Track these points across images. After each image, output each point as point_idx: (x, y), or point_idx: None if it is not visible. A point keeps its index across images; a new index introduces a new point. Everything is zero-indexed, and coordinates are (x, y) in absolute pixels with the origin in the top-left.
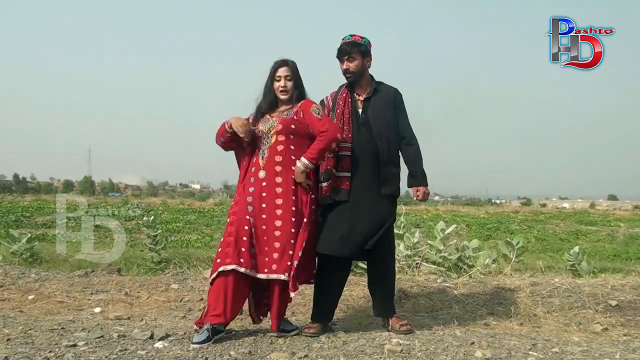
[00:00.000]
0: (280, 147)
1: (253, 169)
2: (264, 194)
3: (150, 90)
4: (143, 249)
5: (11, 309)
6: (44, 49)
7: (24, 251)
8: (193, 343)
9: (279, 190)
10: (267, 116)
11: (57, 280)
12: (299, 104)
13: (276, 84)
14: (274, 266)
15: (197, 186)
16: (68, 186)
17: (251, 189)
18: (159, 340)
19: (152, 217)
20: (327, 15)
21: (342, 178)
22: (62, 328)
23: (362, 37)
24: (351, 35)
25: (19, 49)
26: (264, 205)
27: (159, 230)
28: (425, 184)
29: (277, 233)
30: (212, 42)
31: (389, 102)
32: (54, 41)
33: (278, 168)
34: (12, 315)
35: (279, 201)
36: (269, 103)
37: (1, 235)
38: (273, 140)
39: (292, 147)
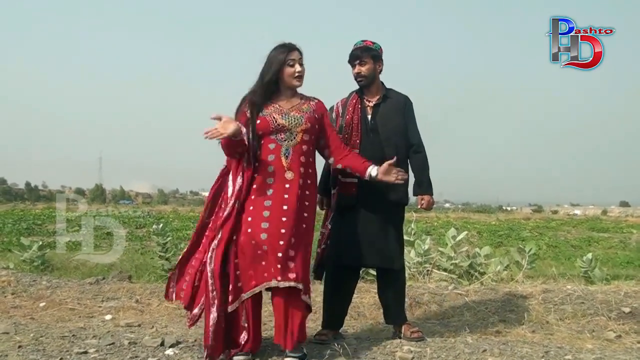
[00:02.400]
0: (304, 147)
1: (271, 168)
2: (285, 196)
3: (162, 98)
4: (153, 257)
5: (23, 316)
6: (56, 58)
7: (36, 259)
8: None
9: (307, 193)
10: (276, 107)
11: (68, 287)
12: (314, 103)
13: (289, 70)
14: (292, 275)
15: (207, 194)
16: (79, 194)
17: (269, 192)
18: (170, 347)
19: (162, 224)
20: (327, 15)
21: (349, 184)
22: (73, 335)
23: (373, 42)
24: (362, 41)
25: (31, 59)
26: (285, 207)
27: (169, 238)
28: (431, 193)
29: (293, 240)
30: (221, 47)
31: (399, 109)
32: (66, 51)
33: (303, 170)
34: (23, 322)
35: (307, 203)
36: (270, 92)
37: (13, 243)
38: (299, 138)
39: (310, 148)
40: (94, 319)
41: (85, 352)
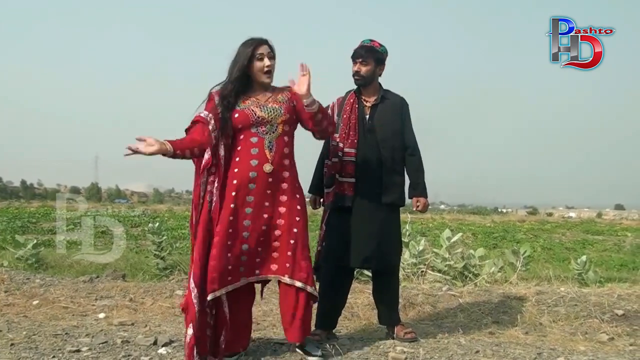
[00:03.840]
0: (286, 139)
1: (255, 161)
2: (268, 191)
3: (157, 97)
4: (148, 256)
5: (15, 314)
6: (53, 57)
7: (30, 257)
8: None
9: (284, 186)
10: (253, 100)
11: (62, 285)
12: (287, 91)
13: (258, 64)
14: (274, 267)
15: None
16: (75, 192)
17: (251, 186)
18: (163, 346)
19: (158, 223)
20: (327, 15)
21: (346, 184)
22: (66, 333)
23: (380, 45)
24: (370, 40)
25: (27, 58)
26: (267, 204)
27: (164, 237)
28: (425, 196)
29: (277, 233)
30: (220, 48)
31: (396, 110)
32: (62, 50)
33: (286, 162)
34: (16, 320)
35: (284, 198)
36: (243, 87)
37: (7, 241)
38: (280, 130)
39: (290, 139)
40: (87, 317)
41: (78, 351)
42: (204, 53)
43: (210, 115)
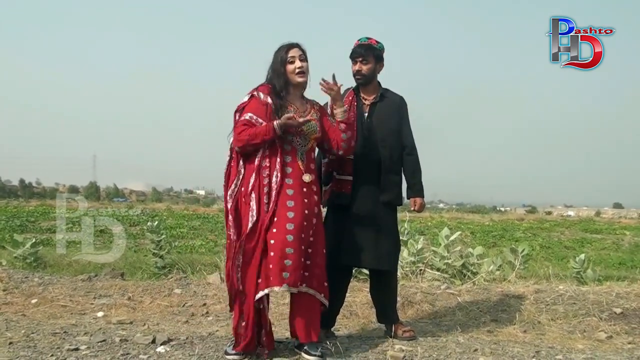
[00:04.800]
0: (313, 155)
1: (289, 169)
2: (305, 200)
3: (156, 96)
4: (147, 254)
5: (14, 312)
6: (50, 55)
7: (28, 256)
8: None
9: (316, 198)
10: (295, 109)
11: (61, 284)
12: (317, 107)
13: (290, 67)
14: (313, 282)
15: (202, 192)
16: (73, 191)
17: (290, 192)
18: (161, 344)
19: (157, 222)
20: (324, 16)
21: (344, 181)
22: (64, 332)
23: (377, 42)
24: (367, 38)
25: (25, 57)
26: (306, 212)
27: (163, 236)
28: (422, 196)
29: (319, 247)
30: (219, 48)
31: (395, 109)
32: (60, 48)
33: (313, 176)
34: (15, 318)
35: (316, 210)
36: (283, 92)
37: (6, 240)
38: (310, 145)
39: (314, 154)
40: (85, 316)
41: (77, 349)
42: (204, 53)
43: (254, 115)
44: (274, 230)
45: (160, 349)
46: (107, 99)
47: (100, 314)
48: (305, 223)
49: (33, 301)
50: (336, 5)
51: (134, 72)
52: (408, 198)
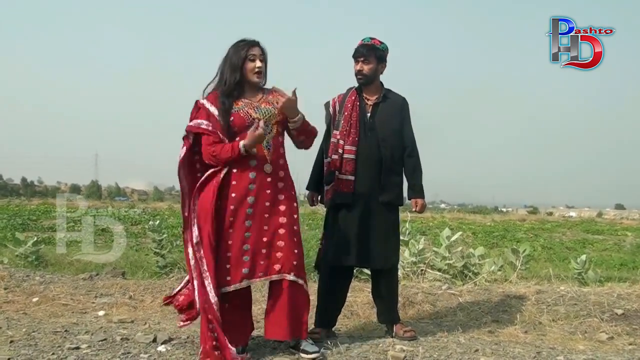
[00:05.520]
0: (280, 139)
1: (253, 162)
2: (268, 191)
3: (157, 95)
4: (148, 253)
5: (15, 311)
6: (52, 55)
7: (30, 254)
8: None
9: (280, 185)
10: (246, 102)
11: (62, 283)
12: (272, 93)
13: (250, 65)
14: (277, 266)
15: None
16: (75, 190)
17: (251, 186)
18: (162, 343)
19: (158, 221)
20: (323, 16)
21: (345, 181)
22: (65, 331)
23: (381, 42)
24: (371, 38)
25: (27, 57)
26: (267, 204)
27: (165, 235)
28: (422, 197)
29: (282, 231)
30: (222, 47)
31: (397, 110)
32: (61, 47)
33: (281, 161)
34: (16, 317)
35: (281, 197)
36: (235, 89)
37: (7, 239)
38: (275, 130)
39: (282, 139)
40: (86, 314)
41: (77, 348)
42: (205, 53)
43: (209, 123)
44: None
45: (161, 348)
46: (109, 98)
47: (101, 312)
48: (266, 215)
49: (34, 300)
50: (336, 5)
51: (135, 71)
52: (409, 199)
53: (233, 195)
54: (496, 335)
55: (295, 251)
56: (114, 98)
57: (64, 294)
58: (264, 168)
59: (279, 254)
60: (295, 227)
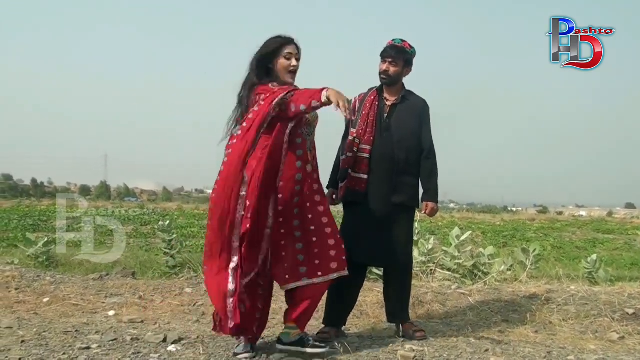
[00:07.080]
0: (314, 140)
1: (299, 163)
2: (307, 192)
3: (166, 96)
4: (158, 254)
5: (26, 311)
6: (63, 57)
7: (41, 254)
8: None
9: (315, 187)
10: None
11: (72, 283)
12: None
13: (285, 62)
14: (334, 264)
15: None
16: (85, 191)
17: (297, 187)
18: (172, 343)
19: (168, 221)
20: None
21: (359, 179)
22: (76, 331)
23: (411, 46)
24: (402, 40)
25: (37, 58)
26: (308, 205)
27: (174, 235)
28: (435, 201)
29: (328, 230)
30: (228, 47)
31: (416, 112)
32: (72, 49)
33: (314, 162)
34: (27, 317)
35: (318, 198)
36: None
37: (18, 239)
38: (314, 132)
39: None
40: (97, 314)
41: (88, 348)
42: (211, 53)
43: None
44: None
45: (171, 348)
46: (118, 99)
47: (111, 312)
48: (310, 216)
49: (45, 300)
50: (336, 5)
51: (144, 72)
52: (422, 201)
53: (280, 196)
54: (506, 335)
55: (332, 252)
56: (123, 99)
57: (74, 294)
58: (306, 168)
59: (332, 252)
60: (327, 230)
